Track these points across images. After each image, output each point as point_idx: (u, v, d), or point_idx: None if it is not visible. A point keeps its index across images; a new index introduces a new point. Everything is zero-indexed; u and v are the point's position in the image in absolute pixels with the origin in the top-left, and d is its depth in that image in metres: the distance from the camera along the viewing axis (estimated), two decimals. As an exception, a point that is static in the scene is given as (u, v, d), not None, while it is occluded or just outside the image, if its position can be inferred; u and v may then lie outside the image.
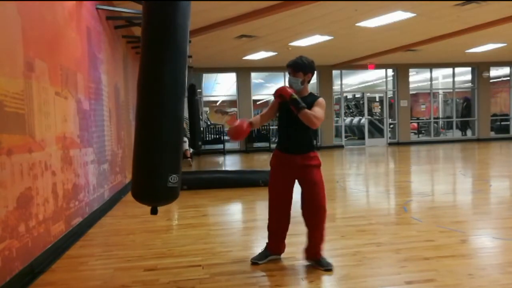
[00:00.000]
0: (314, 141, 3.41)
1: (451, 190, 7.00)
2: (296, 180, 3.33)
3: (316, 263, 3.29)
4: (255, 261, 3.38)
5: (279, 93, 3.15)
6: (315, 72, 3.28)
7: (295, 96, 3.12)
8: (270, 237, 3.46)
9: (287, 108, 3.20)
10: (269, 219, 3.43)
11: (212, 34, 9.24)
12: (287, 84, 3.39)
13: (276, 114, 3.42)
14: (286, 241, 3.48)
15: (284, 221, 3.41)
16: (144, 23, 2.77)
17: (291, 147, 3.29)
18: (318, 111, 3.16)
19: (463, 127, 18.62)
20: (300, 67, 3.27)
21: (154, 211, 2.94)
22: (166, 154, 2.75)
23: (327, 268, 3.21)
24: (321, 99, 3.27)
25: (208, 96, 21.27)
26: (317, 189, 3.26)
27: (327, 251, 3.52)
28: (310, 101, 3.22)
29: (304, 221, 3.34)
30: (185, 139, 13.74)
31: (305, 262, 3.38)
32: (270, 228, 3.45)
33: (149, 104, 2.77)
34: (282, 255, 3.50)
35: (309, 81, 3.34)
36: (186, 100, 2.94)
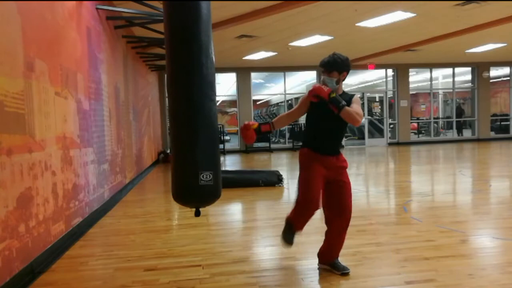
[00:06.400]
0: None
1: (451, 190, 6.99)
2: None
3: (332, 266, 3.17)
4: (290, 243, 3.14)
5: (315, 94, 2.95)
6: (349, 70, 3.11)
7: (334, 94, 2.92)
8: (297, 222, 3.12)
9: (321, 107, 3.01)
10: (296, 214, 3.10)
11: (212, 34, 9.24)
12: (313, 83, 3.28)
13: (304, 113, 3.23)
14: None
15: (311, 215, 3.08)
16: (167, 22, 2.77)
17: (328, 148, 3.09)
18: (358, 108, 3.00)
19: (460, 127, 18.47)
20: (334, 66, 3.05)
21: (197, 213, 2.90)
22: (196, 152, 2.71)
23: (344, 272, 3.08)
24: (357, 97, 3.11)
25: (208, 96, 21.24)
26: (349, 191, 3.13)
27: (327, 251, 3.52)
28: (346, 99, 3.01)
29: (328, 225, 3.17)
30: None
31: (306, 263, 3.38)
32: (296, 220, 3.12)
33: (179, 103, 2.77)
34: (282, 255, 3.51)
35: (343, 80, 3.13)
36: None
